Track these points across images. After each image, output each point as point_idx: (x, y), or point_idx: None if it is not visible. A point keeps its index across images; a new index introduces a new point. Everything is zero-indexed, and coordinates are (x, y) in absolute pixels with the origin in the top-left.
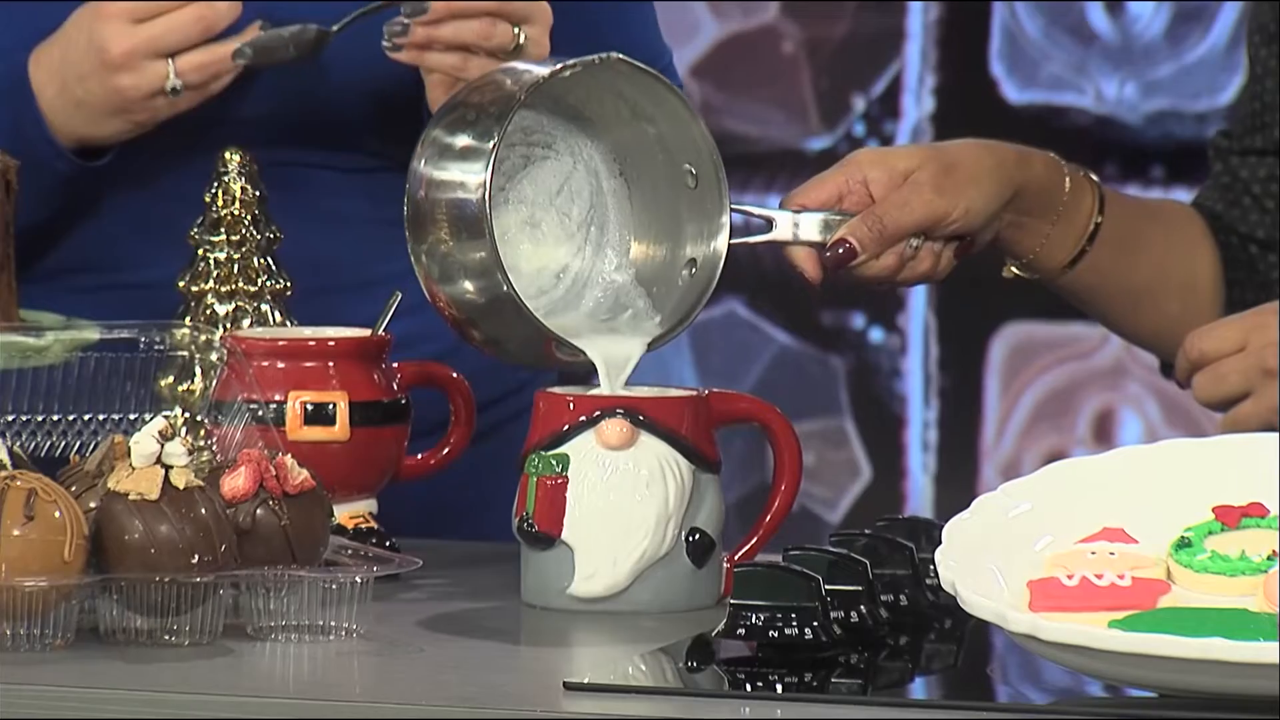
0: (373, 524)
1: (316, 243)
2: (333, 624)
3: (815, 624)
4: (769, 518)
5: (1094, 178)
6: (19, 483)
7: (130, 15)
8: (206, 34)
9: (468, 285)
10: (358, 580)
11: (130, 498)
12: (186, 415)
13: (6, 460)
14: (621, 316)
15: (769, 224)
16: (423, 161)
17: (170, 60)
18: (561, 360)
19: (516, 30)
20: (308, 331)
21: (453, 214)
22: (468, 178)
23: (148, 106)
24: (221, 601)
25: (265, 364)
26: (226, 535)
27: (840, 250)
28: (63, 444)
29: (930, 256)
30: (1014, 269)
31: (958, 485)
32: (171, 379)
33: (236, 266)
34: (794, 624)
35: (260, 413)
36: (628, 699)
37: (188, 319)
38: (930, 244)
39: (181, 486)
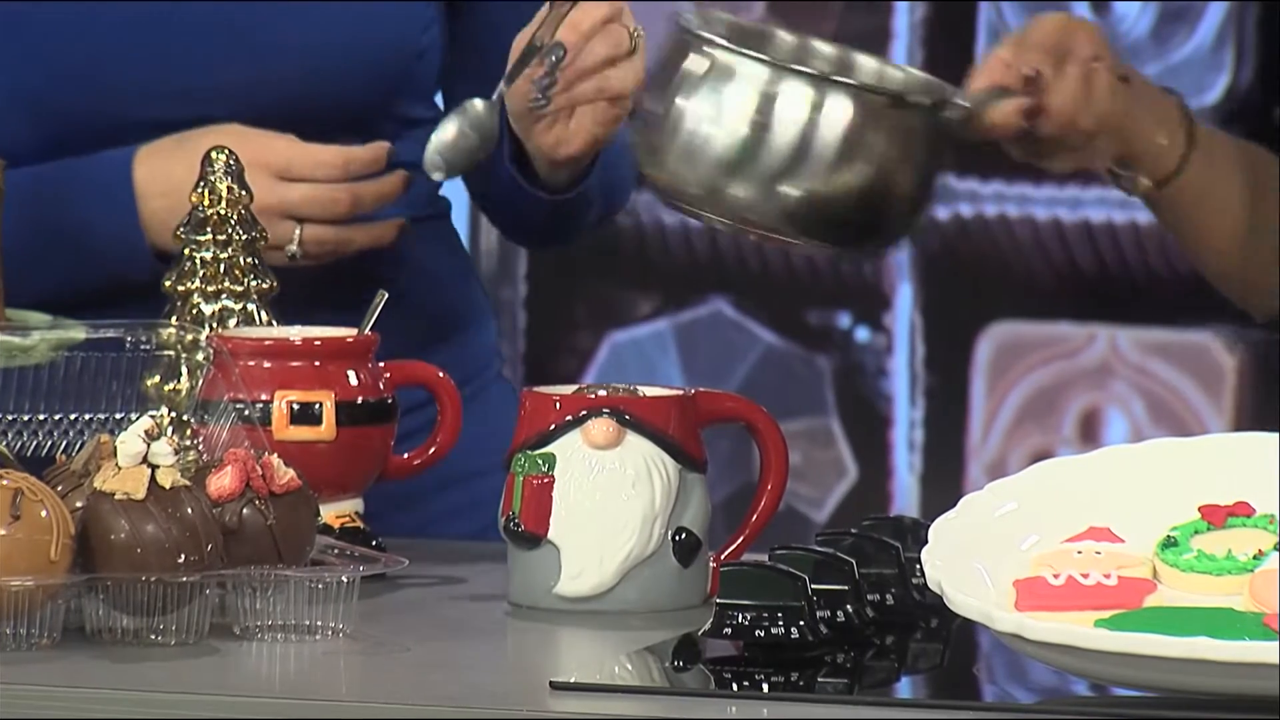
0: (359, 523)
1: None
2: (319, 623)
3: (801, 623)
4: (755, 517)
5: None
6: (5, 482)
7: (281, 171)
8: (345, 217)
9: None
10: (344, 580)
11: (116, 497)
12: (173, 415)
13: None
14: None
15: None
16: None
17: (299, 226)
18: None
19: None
20: (294, 331)
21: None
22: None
23: None
24: (208, 601)
25: (251, 363)
26: (213, 535)
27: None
28: (49, 443)
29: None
30: (1140, 180)
31: (944, 484)
32: (158, 378)
33: (223, 266)
34: (780, 623)
35: (246, 412)
36: (614, 698)
37: (174, 318)
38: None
39: (168, 486)
